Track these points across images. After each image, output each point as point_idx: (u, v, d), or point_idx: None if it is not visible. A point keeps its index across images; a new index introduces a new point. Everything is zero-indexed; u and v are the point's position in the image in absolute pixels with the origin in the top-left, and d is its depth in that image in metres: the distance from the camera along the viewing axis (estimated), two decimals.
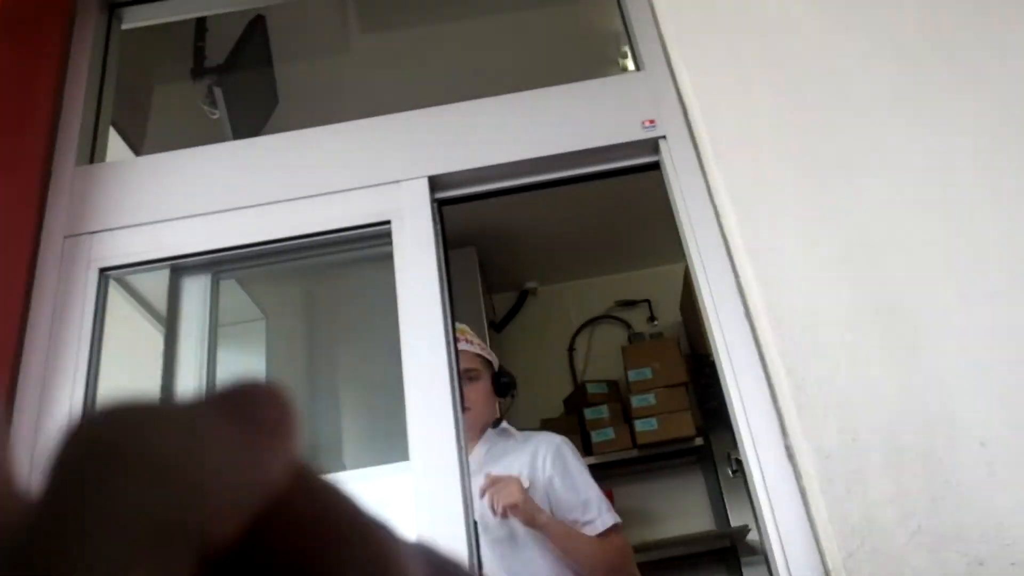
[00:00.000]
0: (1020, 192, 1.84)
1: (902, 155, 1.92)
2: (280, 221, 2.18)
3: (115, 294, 2.28)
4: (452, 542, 1.79)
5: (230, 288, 2.61)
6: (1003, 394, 1.63)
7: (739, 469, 3.86)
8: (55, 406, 1.98)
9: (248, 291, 2.82)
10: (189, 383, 2.30)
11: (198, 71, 2.96)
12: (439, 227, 2.19)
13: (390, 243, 2.15)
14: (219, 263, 2.31)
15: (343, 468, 2.64)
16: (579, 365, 4.64)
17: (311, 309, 3.07)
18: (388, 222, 2.17)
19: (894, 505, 1.56)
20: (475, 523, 1.87)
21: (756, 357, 1.84)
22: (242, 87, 2.98)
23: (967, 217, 1.83)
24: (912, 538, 1.52)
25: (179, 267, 2.30)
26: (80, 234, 2.21)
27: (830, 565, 1.58)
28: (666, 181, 2.16)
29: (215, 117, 2.93)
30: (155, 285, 2.42)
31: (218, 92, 2.85)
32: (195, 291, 2.37)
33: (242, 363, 2.81)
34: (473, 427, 2.31)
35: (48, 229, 2.21)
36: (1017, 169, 1.87)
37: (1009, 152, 1.90)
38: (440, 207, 2.24)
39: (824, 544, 1.60)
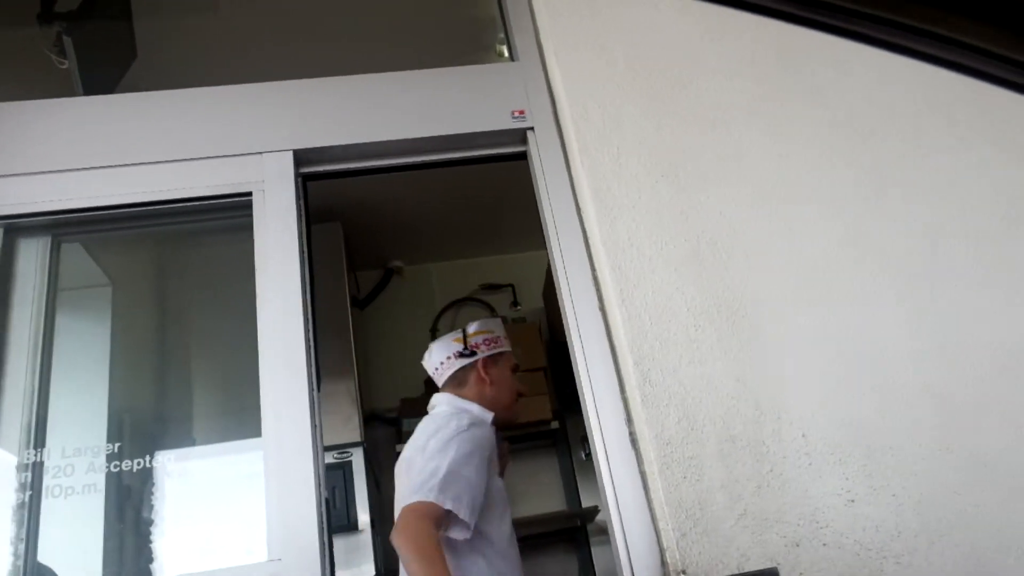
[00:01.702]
0: (851, 203, 2.00)
1: (752, 164, 2.04)
2: (131, 185, 2.07)
3: None
4: (302, 520, 1.77)
5: (73, 251, 2.45)
6: (824, 391, 1.78)
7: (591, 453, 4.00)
8: None
9: (93, 256, 2.65)
10: (22, 348, 2.16)
11: (46, 15, 2.73)
12: (303, 202, 2.15)
13: (250, 215, 2.09)
14: (60, 225, 2.17)
15: (193, 443, 2.55)
16: None
17: (162, 278, 2.92)
18: (248, 194, 2.10)
19: (724, 490, 1.67)
20: (326, 500, 1.86)
21: (607, 348, 1.92)
22: (96, 38, 2.78)
23: (804, 227, 1.97)
24: (739, 521, 1.64)
25: (14, 227, 2.14)
26: None
27: (665, 544, 1.68)
28: (532, 171, 2.20)
29: (63, 67, 2.72)
30: None
31: (68, 41, 2.64)
32: (32, 253, 2.21)
33: (84, 331, 2.65)
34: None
35: None
36: (849, 182, 2.03)
37: (845, 164, 2.05)
38: (304, 182, 2.19)
39: (660, 525, 1.70)
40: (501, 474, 2.14)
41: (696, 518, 1.64)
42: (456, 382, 2.23)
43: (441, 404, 2.21)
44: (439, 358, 2.29)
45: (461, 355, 2.23)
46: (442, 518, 1.79)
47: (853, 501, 1.67)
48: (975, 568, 1.63)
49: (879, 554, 1.63)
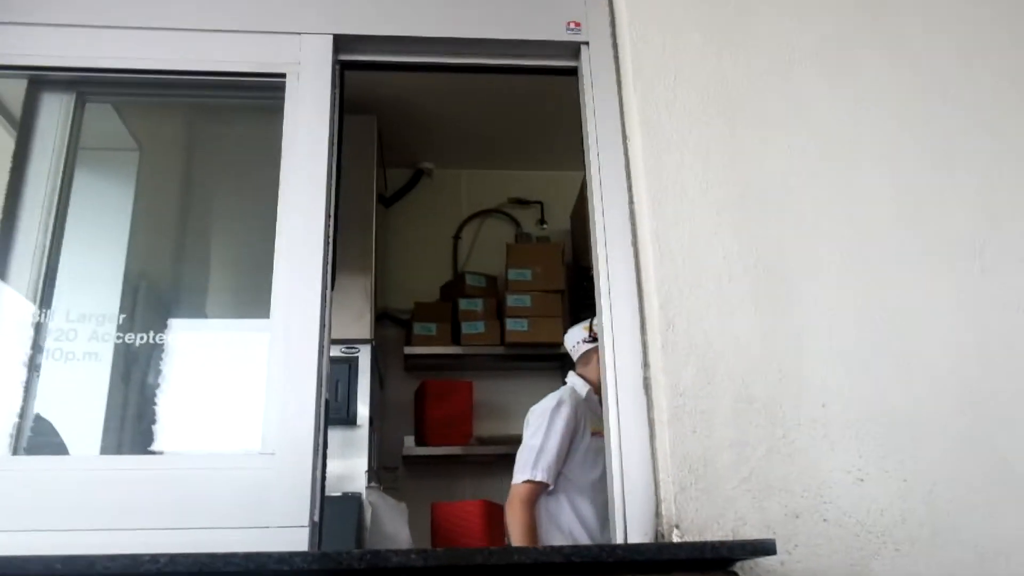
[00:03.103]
0: (915, 171, 1.88)
1: (818, 117, 1.91)
2: (159, 50, 1.97)
3: None
4: (300, 415, 1.75)
5: (103, 112, 2.38)
6: (853, 364, 1.70)
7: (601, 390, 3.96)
8: None
9: (123, 118, 2.58)
10: (37, 203, 2.12)
11: None
12: (338, 91, 2.05)
13: (282, 97, 2.00)
14: (85, 83, 2.08)
15: (204, 316, 2.54)
16: (462, 254, 4.59)
17: (190, 150, 2.86)
18: (283, 75, 2.00)
19: (732, 450, 1.62)
20: (327, 401, 1.83)
21: (634, 285, 1.84)
22: None
23: (861, 192, 1.85)
24: (742, 483, 1.59)
25: (39, 79, 2.06)
26: None
27: (662, 495, 1.64)
28: (580, 89, 2.08)
29: None
30: (17, 92, 2.18)
31: None
32: (55, 109, 2.14)
33: (106, 192, 2.60)
34: None
35: None
36: (917, 147, 1.90)
37: (916, 125, 1.92)
38: (343, 70, 2.08)
39: (661, 476, 1.65)
40: None
41: (699, 474, 1.59)
42: (583, 361, 2.82)
43: (568, 380, 2.84)
44: (573, 340, 2.90)
45: (586, 341, 2.79)
46: (539, 487, 2.55)
47: (862, 480, 1.62)
48: (975, 567, 1.58)
49: (879, 538, 1.58)
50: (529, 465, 2.54)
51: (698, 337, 1.70)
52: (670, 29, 1.96)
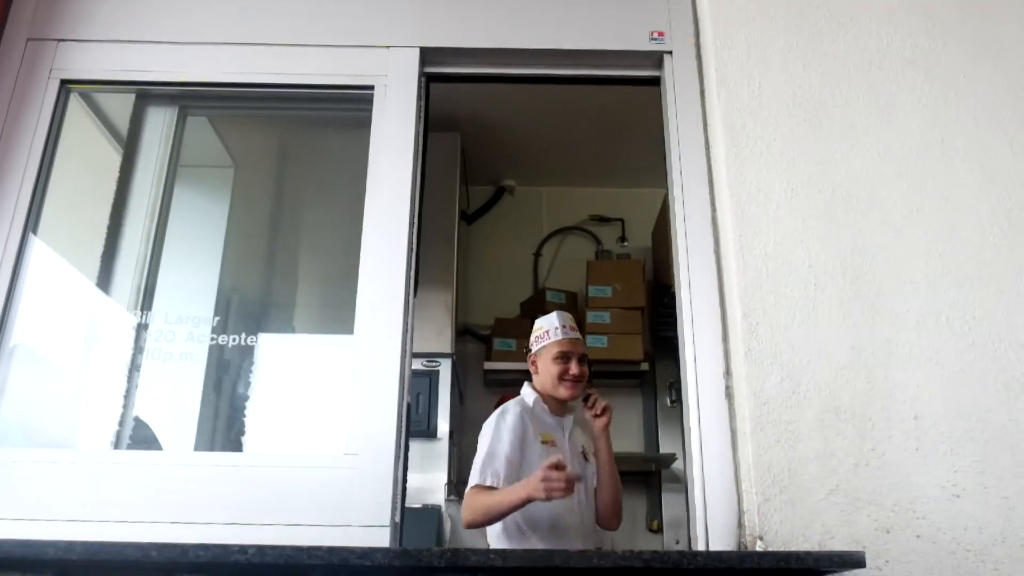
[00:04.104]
0: (1012, 179, 1.80)
1: (905, 121, 1.85)
2: (256, 65, 2.06)
3: (78, 109, 2.18)
4: (382, 419, 1.78)
5: (200, 126, 2.50)
6: (947, 375, 1.64)
7: (678, 400, 3.91)
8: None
9: (220, 136, 2.71)
10: (140, 213, 2.23)
11: None
12: (424, 103, 2.10)
13: (370, 109, 2.06)
14: (187, 97, 2.20)
15: (292, 331, 2.62)
16: (542, 271, 4.61)
17: (282, 166, 2.97)
18: (371, 88, 2.07)
19: (818, 462, 1.57)
20: (408, 405, 1.87)
21: (716, 293, 1.82)
22: None
23: (953, 196, 1.79)
24: (828, 496, 1.54)
25: (145, 94, 2.19)
26: (44, 39, 2.07)
27: (745, 507, 1.60)
28: (663, 99, 2.08)
29: None
30: (123, 108, 2.31)
31: None
32: (159, 122, 2.26)
33: (203, 207, 2.72)
34: (575, 397, 2.69)
35: (11, 27, 2.07)
36: (1013, 154, 1.82)
37: (1010, 135, 1.84)
38: (428, 82, 2.14)
39: (744, 486, 1.62)
40: (606, 426, 2.64)
41: (783, 485, 1.55)
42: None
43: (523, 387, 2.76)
44: None
45: (526, 350, 2.78)
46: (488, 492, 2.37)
47: (958, 496, 1.55)
48: None
49: (977, 556, 1.51)
50: (477, 471, 2.40)
51: (782, 345, 1.66)
52: (755, 37, 1.94)
